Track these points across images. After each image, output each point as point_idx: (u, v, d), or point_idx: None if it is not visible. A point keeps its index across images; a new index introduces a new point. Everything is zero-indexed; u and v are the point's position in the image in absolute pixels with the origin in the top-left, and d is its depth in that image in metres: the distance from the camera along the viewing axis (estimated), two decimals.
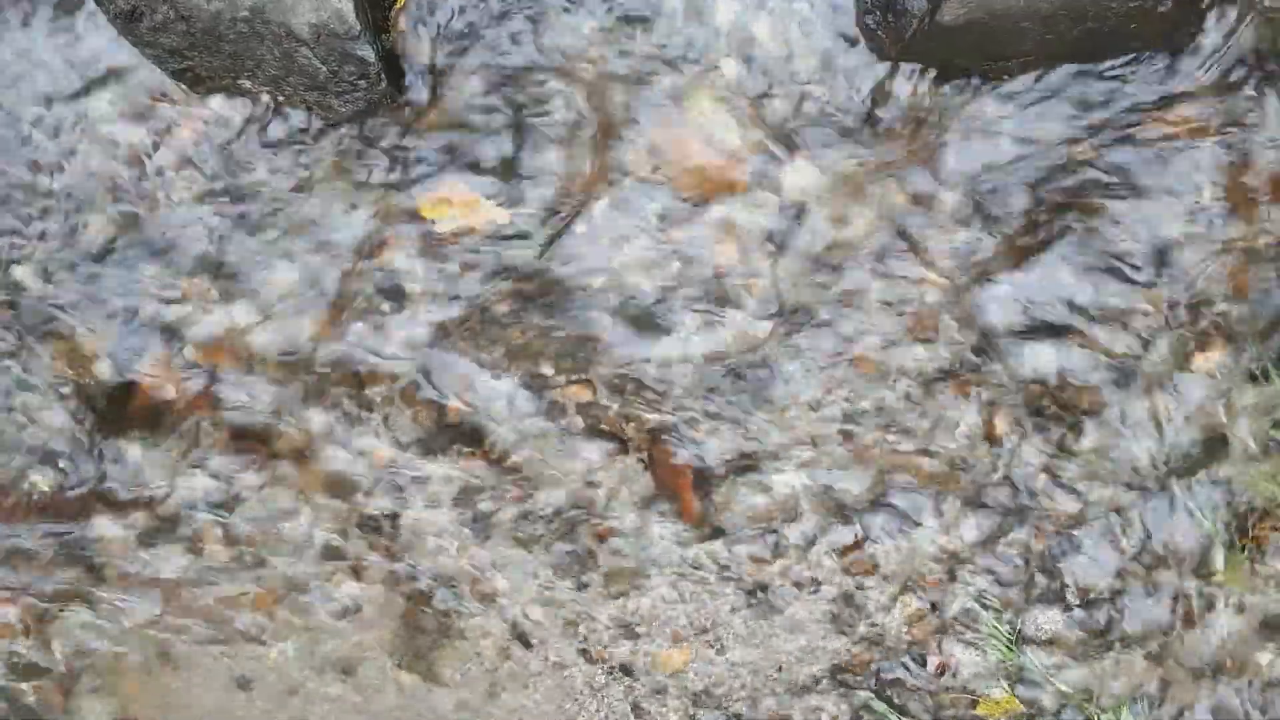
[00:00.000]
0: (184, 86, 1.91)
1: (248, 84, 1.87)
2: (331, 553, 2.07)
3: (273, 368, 2.02)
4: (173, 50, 1.82)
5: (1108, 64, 1.89)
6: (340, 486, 2.05)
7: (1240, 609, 2.01)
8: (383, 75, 1.82)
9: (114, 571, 2.08)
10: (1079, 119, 1.92)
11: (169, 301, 2.00)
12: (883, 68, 1.91)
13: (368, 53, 1.78)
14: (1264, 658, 2.02)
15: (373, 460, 2.04)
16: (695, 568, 2.05)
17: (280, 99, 1.89)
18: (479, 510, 2.05)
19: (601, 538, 2.05)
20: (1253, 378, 1.99)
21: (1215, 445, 2.00)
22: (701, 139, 1.96)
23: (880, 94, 1.93)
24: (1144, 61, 1.89)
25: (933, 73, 1.91)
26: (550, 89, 1.95)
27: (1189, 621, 2.02)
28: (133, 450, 2.05)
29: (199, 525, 2.07)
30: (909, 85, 1.92)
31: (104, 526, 2.07)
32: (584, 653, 2.09)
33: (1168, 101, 1.92)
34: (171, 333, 2.01)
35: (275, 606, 2.09)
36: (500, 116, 1.95)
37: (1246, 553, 2.00)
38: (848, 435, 2.01)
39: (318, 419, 2.03)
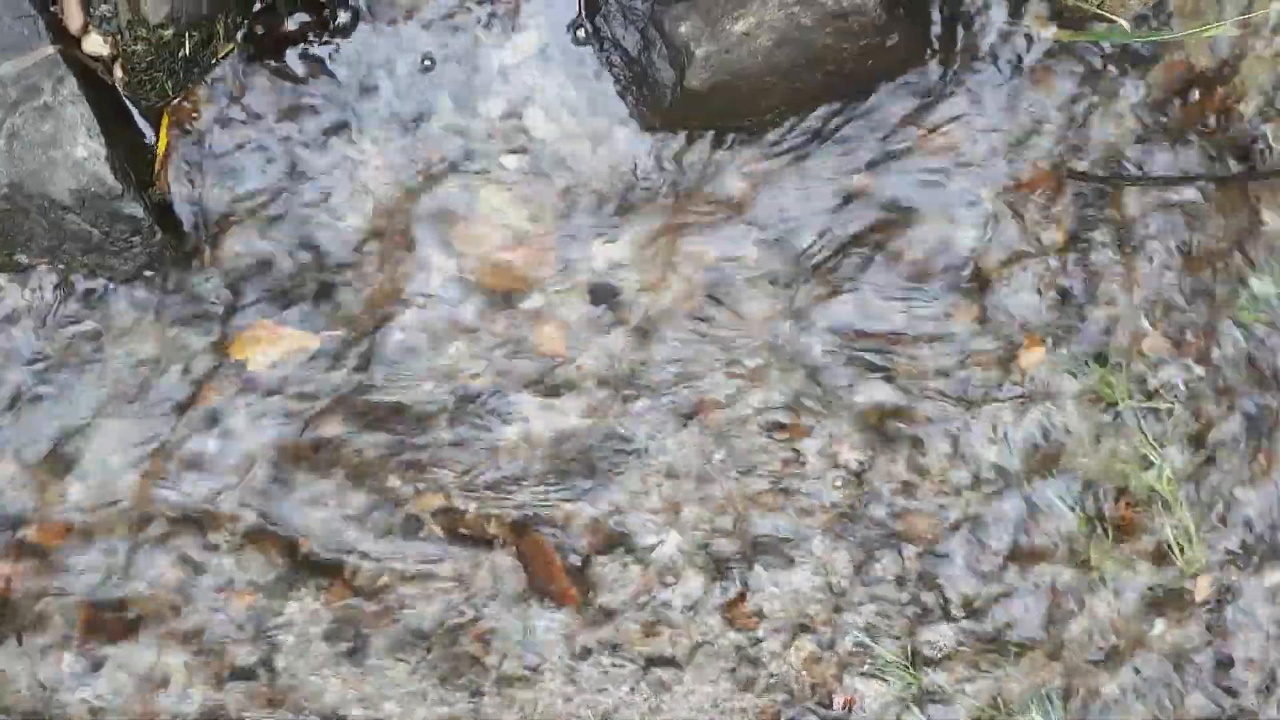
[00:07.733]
0: None
1: (24, 258, 1.85)
2: (211, 712, 2.00)
3: (113, 533, 1.96)
4: None
5: (861, 99, 1.96)
6: (206, 641, 1.99)
7: (1118, 590, 2.04)
8: (156, 228, 1.82)
9: None
10: (849, 154, 1.99)
11: None
12: (653, 138, 1.96)
13: (135, 209, 1.77)
14: (1154, 631, 2.04)
15: (232, 609, 1.98)
16: (587, 652, 2.03)
17: (61, 267, 1.87)
18: (353, 640, 2.00)
19: (485, 642, 2.02)
20: (1075, 369, 2.04)
21: (1055, 439, 2.03)
22: (499, 233, 1.97)
23: (657, 163, 1.97)
24: (894, 90, 1.96)
25: (700, 135, 1.96)
26: (334, 206, 1.95)
27: (1074, 611, 2.03)
28: None
29: (67, 713, 1.98)
30: (681, 152, 1.97)
31: None
32: None
33: (925, 122, 1.98)
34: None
35: None
36: (288, 245, 1.95)
37: (1111, 535, 2.03)
38: (706, 491, 2.01)
39: (168, 577, 1.97)
